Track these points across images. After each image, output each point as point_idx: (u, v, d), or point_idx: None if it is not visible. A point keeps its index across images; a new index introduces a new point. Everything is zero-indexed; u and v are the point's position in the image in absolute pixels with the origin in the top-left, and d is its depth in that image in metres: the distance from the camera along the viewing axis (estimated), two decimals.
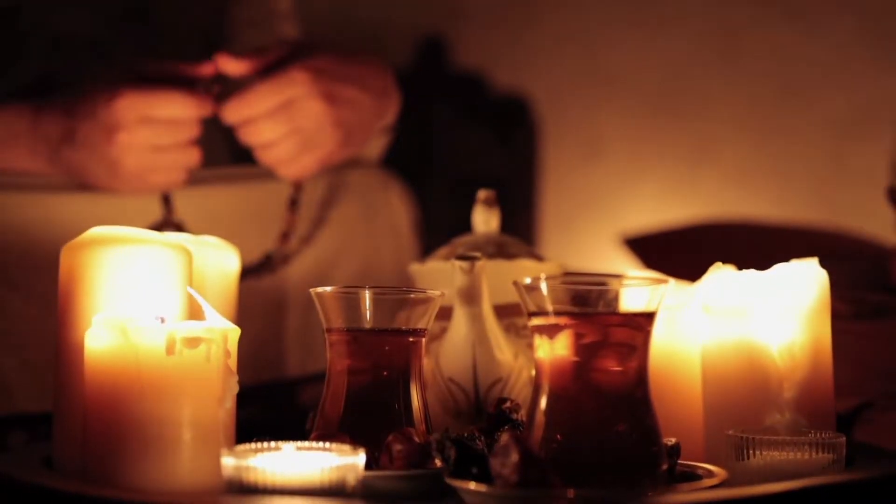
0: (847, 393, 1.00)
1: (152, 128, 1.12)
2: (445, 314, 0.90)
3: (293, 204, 1.24)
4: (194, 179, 1.20)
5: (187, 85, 1.14)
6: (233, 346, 0.75)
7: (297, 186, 1.23)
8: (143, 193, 1.18)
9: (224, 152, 1.33)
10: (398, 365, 0.83)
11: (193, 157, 1.16)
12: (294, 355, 1.26)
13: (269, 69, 1.15)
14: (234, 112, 1.14)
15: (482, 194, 1.01)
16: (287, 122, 1.14)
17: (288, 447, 0.72)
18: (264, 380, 1.24)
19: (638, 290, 0.73)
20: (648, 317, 0.74)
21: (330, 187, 1.32)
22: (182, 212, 1.20)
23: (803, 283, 0.84)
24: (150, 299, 0.78)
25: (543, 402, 0.73)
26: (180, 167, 1.17)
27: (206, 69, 1.16)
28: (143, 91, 1.12)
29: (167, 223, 1.17)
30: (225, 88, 1.16)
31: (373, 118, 1.23)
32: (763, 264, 0.86)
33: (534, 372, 0.76)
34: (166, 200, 1.19)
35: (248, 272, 1.18)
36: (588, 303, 0.73)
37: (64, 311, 0.81)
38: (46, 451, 0.83)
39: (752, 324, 0.83)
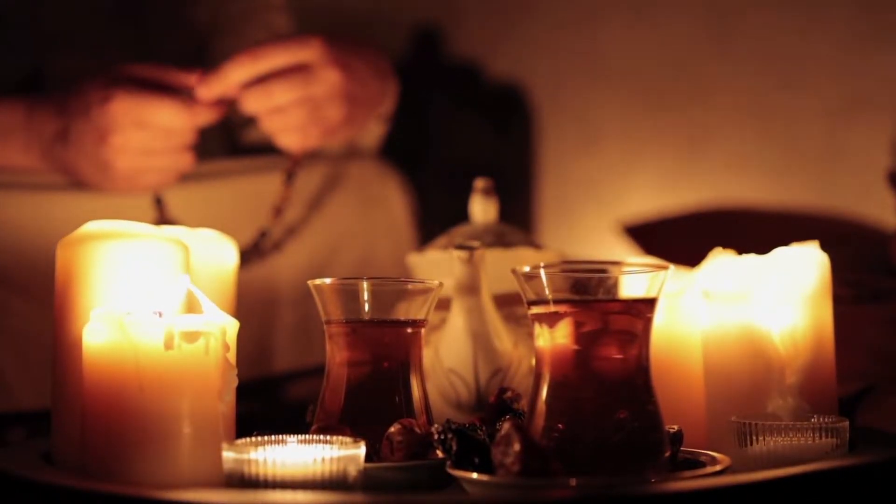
0: (849, 377, 1.00)
1: (145, 132, 1.12)
2: (445, 304, 0.90)
3: (288, 178, 1.22)
4: (187, 174, 1.19)
5: (180, 92, 1.13)
6: (232, 339, 0.75)
7: (295, 161, 1.22)
8: (133, 193, 1.17)
9: (219, 146, 1.32)
10: (398, 356, 0.83)
11: (185, 161, 1.16)
12: (291, 348, 1.26)
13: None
14: (247, 67, 1.12)
15: (480, 183, 1.01)
16: (301, 87, 1.12)
17: (288, 440, 0.72)
18: (261, 373, 1.24)
19: (638, 276, 0.73)
20: (649, 303, 0.73)
21: (327, 179, 1.31)
22: (175, 206, 1.20)
23: (804, 267, 0.84)
24: (148, 294, 0.78)
25: (544, 391, 0.73)
26: (171, 170, 1.16)
27: (192, 80, 1.14)
28: (138, 96, 1.11)
29: (161, 223, 1.17)
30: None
31: (375, 98, 1.22)
32: (763, 250, 0.86)
33: (534, 361, 0.75)
34: (158, 202, 1.19)
35: (243, 254, 1.17)
36: (587, 290, 0.72)
37: (61, 306, 0.80)
38: (45, 447, 0.83)
39: (753, 309, 0.83)
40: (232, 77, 1.12)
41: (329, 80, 1.13)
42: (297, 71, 1.11)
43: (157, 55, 1.24)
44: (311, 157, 1.26)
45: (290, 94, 1.12)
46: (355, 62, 1.15)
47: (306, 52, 1.11)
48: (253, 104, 1.13)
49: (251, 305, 1.20)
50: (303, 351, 1.26)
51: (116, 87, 1.11)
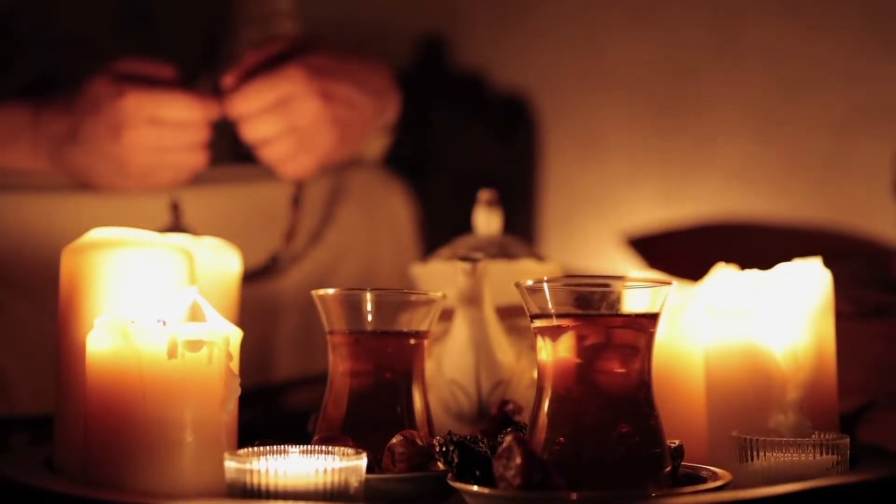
0: (851, 393, 1.00)
1: (158, 128, 1.12)
2: (448, 316, 0.90)
3: (295, 203, 1.23)
4: (197, 179, 1.20)
5: (192, 87, 1.14)
6: (235, 348, 0.75)
7: (299, 185, 1.23)
8: (146, 191, 1.18)
9: (226, 152, 1.33)
10: (400, 367, 0.83)
11: (199, 159, 1.16)
12: (293, 357, 1.26)
13: (266, 65, 1.15)
14: (231, 107, 1.14)
15: (484, 195, 1.01)
16: (282, 119, 1.14)
17: (290, 450, 0.72)
18: (263, 382, 1.24)
19: (641, 291, 0.73)
20: (651, 318, 0.73)
21: (331, 189, 1.31)
22: (184, 211, 1.20)
23: (806, 283, 0.84)
24: (152, 302, 0.78)
25: (546, 404, 0.73)
26: (185, 168, 1.17)
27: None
28: (150, 91, 1.12)
29: (175, 230, 1.17)
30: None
31: (370, 117, 1.23)
32: (766, 264, 0.86)
33: (536, 374, 0.76)
34: (175, 208, 1.19)
35: (254, 275, 1.18)
36: (590, 304, 0.73)
37: (65, 313, 0.80)
38: (47, 453, 0.83)
39: (756, 324, 0.83)
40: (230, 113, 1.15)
41: (308, 110, 1.15)
42: (278, 104, 1.13)
43: (165, 60, 1.25)
44: (317, 179, 1.27)
45: (272, 127, 1.15)
46: (340, 87, 1.17)
47: (286, 85, 1.13)
48: (243, 136, 1.17)
49: (254, 314, 1.20)
50: (305, 360, 1.26)
51: (128, 82, 1.12)
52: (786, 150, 2.26)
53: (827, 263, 0.86)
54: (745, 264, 0.88)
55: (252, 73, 1.15)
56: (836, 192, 2.18)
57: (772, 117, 2.27)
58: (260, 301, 1.23)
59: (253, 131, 1.16)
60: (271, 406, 1.24)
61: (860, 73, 2.17)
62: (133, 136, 1.12)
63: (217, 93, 1.16)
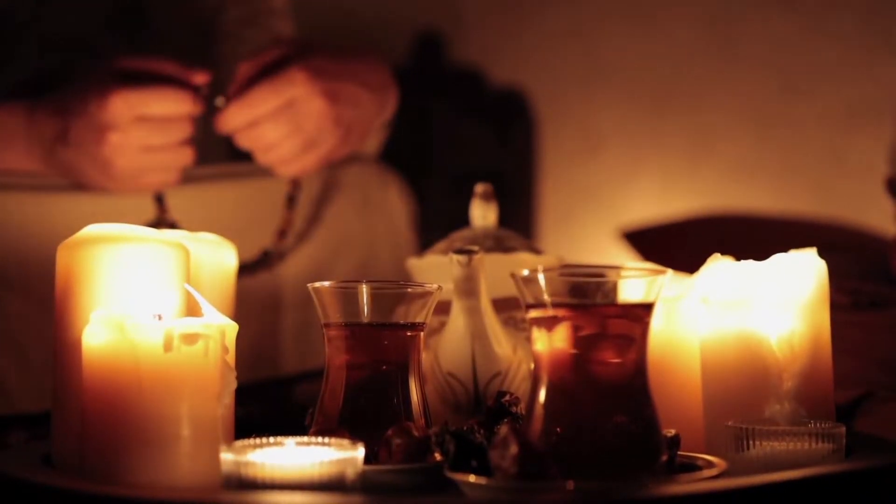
0: (846, 384, 1.00)
1: (145, 128, 1.12)
2: (444, 308, 0.90)
3: (291, 201, 1.24)
4: (190, 177, 1.20)
5: (179, 83, 1.13)
6: (231, 342, 0.75)
7: (295, 184, 1.24)
8: (137, 193, 1.18)
9: (221, 149, 1.33)
10: (397, 359, 0.83)
11: (187, 156, 1.16)
12: (292, 351, 1.26)
13: (268, 70, 1.14)
14: (237, 116, 1.13)
15: (480, 188, 1.01)
16: (289, 122, 1.14)
17: (287, 442, 0.72)
18: (262, 376, 1.24)
19: (636, 280, 0.73)
20: (647, 308, 0.74)
21: (328, 183, 1.32)
22: (177, 209, 1.20)
23: (802, 274, 0.84)
24: (148, 296, 0.78)
25: (542, 395, 0.73)
26: (173, 167, 1.16)
27: (199, 77, 1.15)
28: (135, 89, 1.11)
29: (161, 223, 1.17)
30: (213, 91, 1.15)
31: (372, 114, 1.23)
32: (762, 257, 0.86)
33: (532, 365, 0.76)
34: (159, 200, 1.19)
35: (244, 269, 1.18)
36: (586, 294, 0.73)
37: (61, 309, 0.80)
38: (45, 449, 0.83)
39: (752, 314, 0.83)
40: (227, 127, 1.14)
41: (314, 112, 1.14)
42: (283, 108, 1.13)
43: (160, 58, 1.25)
44: (312, 175, 1.27)
45: (279, 132, 1.14)
46: (344, 86, 1.16)
47: (291, 89, 1.13)
48: (245, 143, 1.16)
49: (253, 308, 1.20)
50: (304, 354, 1.26)
51: (114, 83, 1.11)
52: (782, 146, 2.26)
53: (822, 255, 0.86)
54: (740, 256, 0.88)
55: (253, 81, 1.14)
56: (831, 188, 2.19)
57: (768, 113, 2.27)
58: (260, 295, 1.23)
59: (260, 138, 1.15)
60: (271, 400, 1.25)
61: (856, 71, 2.18)
62: (118, 137, 1.11)
63: (204, 90, 1.15)
